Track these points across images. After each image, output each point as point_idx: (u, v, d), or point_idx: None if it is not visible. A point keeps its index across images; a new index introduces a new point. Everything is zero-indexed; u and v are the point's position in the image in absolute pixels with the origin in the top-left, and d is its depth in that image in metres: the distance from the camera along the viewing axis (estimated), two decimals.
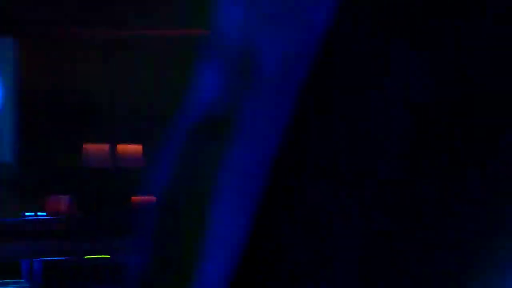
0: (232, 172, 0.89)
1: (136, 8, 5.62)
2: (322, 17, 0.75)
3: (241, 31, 0.98)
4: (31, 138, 5.72)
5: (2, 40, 5.66)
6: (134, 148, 5.44)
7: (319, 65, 0.75)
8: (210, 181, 0.92)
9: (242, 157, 0.89)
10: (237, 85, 0.97)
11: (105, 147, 5.49)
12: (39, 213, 4.54)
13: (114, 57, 5.76)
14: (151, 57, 5.70)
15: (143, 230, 1.00)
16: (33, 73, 5.84)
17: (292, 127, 0.74)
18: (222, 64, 1.01)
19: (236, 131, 0.91)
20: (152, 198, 1.01)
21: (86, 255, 4.44)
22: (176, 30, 5.49)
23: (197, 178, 0.99)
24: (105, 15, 5.64)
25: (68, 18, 5.61)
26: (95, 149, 5.50)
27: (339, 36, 0.74)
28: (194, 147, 1.02)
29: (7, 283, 4.17)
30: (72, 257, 4.42)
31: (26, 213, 4.57)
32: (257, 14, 0.92)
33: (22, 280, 4.19)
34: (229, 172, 0.90)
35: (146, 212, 1.02)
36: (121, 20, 5.69)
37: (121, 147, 5.50)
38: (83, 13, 5.60)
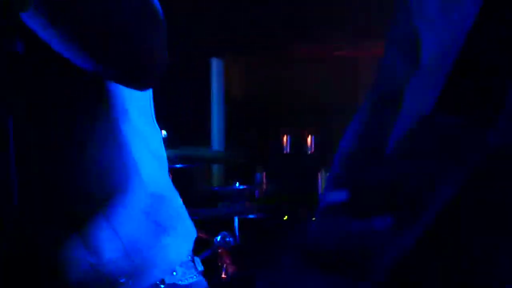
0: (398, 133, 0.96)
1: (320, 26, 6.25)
2: (466, 16, 0.76)
3: (411, 28, 1.04)
4: (238, 131, 6.71)
5: (214, 60, 6.54)
6: (309, 137, 6.13)
7: (465, 55, 0.74)
8: (386, 137, 1.00)
9: (404, 118, 0.96)
10: (407, 68, 1.04)
11: (287, 137, 6.22)
12: (241, 185, 5.12)
13: (297, 67, 6.61)
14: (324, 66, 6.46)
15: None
16: (237, 83, 6.83)
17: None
18: (400, 53, 1.09)
19: (402, 101, 0.99)
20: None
21: (274, 216, 5.10)
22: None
23: (377, 135, 1.07)
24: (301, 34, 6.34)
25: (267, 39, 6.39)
26: (282, 137, 6.26)
27: (481, 31, 0.73)
28: (379, 113, 1.10)
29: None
30: (265, 216, 5.07)
31: (235, 184, 5.10)
32: (421, 16, 1.00)
33: (229, 233, 4.62)
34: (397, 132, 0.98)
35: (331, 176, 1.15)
36: (310, 38, 6.40)
37: (299, 136, 6.19)
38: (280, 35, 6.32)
